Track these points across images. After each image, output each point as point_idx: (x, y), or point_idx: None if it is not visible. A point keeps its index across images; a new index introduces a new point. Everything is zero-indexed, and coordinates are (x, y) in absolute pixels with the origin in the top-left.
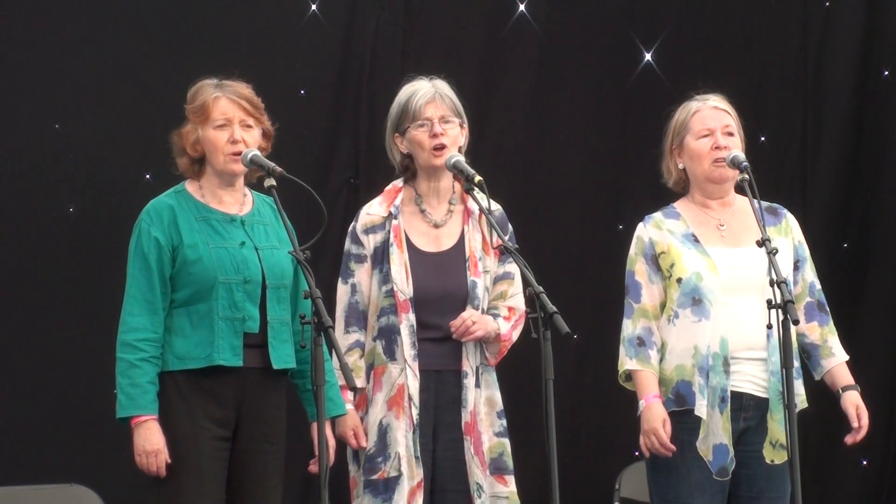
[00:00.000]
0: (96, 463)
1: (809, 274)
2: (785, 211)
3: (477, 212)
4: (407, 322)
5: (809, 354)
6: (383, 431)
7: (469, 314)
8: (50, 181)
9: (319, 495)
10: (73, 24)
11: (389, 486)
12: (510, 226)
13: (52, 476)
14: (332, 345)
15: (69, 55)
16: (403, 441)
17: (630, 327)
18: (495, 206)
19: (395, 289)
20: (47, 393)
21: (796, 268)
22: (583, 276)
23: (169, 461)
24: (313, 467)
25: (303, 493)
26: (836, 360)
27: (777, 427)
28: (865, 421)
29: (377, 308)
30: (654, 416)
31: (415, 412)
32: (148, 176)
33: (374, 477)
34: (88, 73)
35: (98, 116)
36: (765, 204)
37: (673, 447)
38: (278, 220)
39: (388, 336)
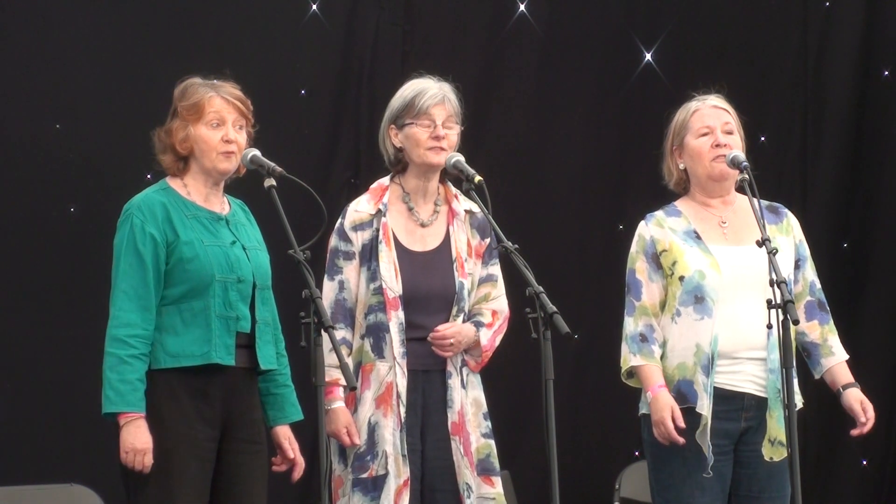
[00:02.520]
0: (96, 463)
1: (810, 273)
2: (786, 210)
3: (462, 213)
4: (396, 320)
5: (809, 353)
6: (372, 429)
7: (453, 332)
8: (51, 181)
9: (319, 495)
10: (74, 23)
11: (378, 484)
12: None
13: (52, 476)
14: (333, 346)
15: (70, 55)
16: (391, 439)
17: (632, 325)
18: (476, 209)
19: (384, 286)
20: (47, 393)
21: (797, 266)
22: (583, 276)
23: (152, 461)
24: (278, 468)
25: (302, 493)
26: (835, 359)
27: (776, 425)
28: (871, 414)
29: (365, 306)
30: (662, 406)
31: (402, 410)
32: (149, 176)
33: (364, 475)
34: (89, 73)
35: (99, 116)
36: (765, 203)
37: (681, 439)
38: (251, 223)
39: (377, 334)
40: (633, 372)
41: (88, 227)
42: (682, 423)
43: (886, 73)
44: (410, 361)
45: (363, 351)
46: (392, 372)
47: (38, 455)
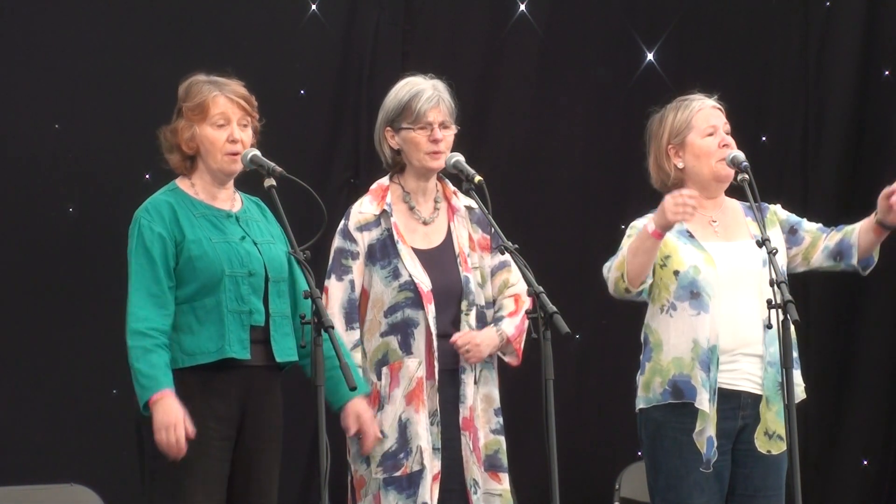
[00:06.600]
0: (96, 463)
1: (811, 225)
2: (766, 205)
3: (462, 209)
4: (431, 314)
5: (842, 252)
6: (403, 427)
7: (463, 341)
8: (50, 181)
9: (319, 495)
10: (73, 24)
11: (413, 480)
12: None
13: (52, 476)
14: (333, 345)
15: (69, 55)
16: (424, 434)
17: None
18: (475, 205)
19: (417, 281)
20: (47, 393)
21: (794, 232)
22: (584, 276)
23: (190, 434)
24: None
25: (303, 493)
26: (857, 225)
27: (774, 418)
28: None
29: (384, 304)
30: (661, 207)
31: (438, 404)
32: (147, 176)
33: (398, 474)
34: (88, 74)
35: (98, 116)
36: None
37: (692, 196)
38: (267, 219)
39: (404, 331)
40: (624, 275)
41: (87, 228)
42: (687, 198)
43: (887, 73)
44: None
45: (389, 349)
46: (422, 367)
47: (38, 455)
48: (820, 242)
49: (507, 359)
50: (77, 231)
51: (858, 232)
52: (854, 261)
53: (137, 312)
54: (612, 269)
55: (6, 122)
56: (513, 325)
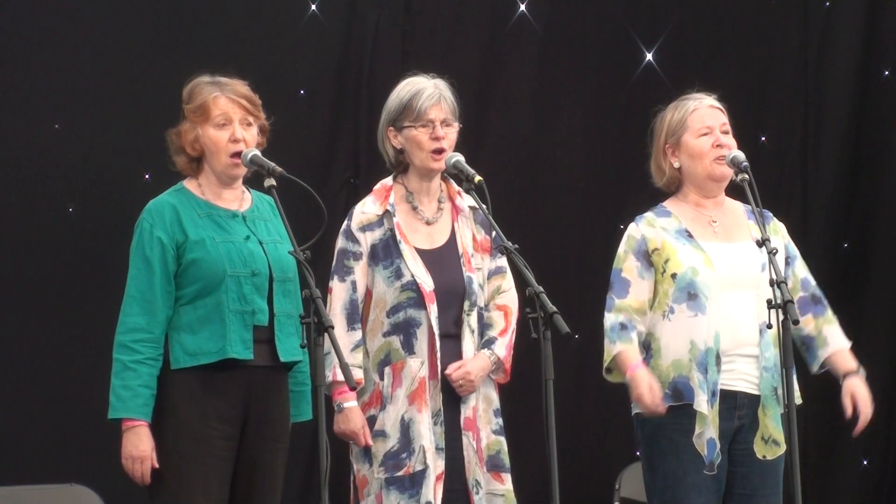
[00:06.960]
0: (96, 463)
1: (801, 270)
2: (771, 214)
3: (466, 209)
4: (434, 313)
5: (807, 346)
6: (406, 427)
7: (458, 375)
8: (49, 181)
9: (319, 495)
10: (73, 24)
11: (416, 480)
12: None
13: (52, 476)
14: (333, 344)
15: (69, 55)
16: (427, 434)
17: (612, 318)
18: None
19: (419, 281)
20: (47, 393)
21: (787, 264)
22: (584, 276)
23: (156, 466)
24: None
25: (303, 492)
26: (830, 349)
27: (771, 423)
28: (866, 410)
29: (387, 304)
30: (639, 382)
31: (441, 403)
32: (147, 176)
33: (400, 473)
34: (88, 74)
35: (98, 116)
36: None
37: (663, 408)
38: (277, 217)
39: (407, 330)
40: (612, 367)
41: (87, 228)
42: (659, 395)
43: (886, 73)
44: None
45: (392, 349)
46: (424, 367)
47: (38, 455)
48: (795, 296)
49: (494, 377)
50: (77, 231)
51: (829, 360)
52: (814, 368)
53: (126, 321)
54: (607, 344)
55: (6, 122)
56: (504, 345)
